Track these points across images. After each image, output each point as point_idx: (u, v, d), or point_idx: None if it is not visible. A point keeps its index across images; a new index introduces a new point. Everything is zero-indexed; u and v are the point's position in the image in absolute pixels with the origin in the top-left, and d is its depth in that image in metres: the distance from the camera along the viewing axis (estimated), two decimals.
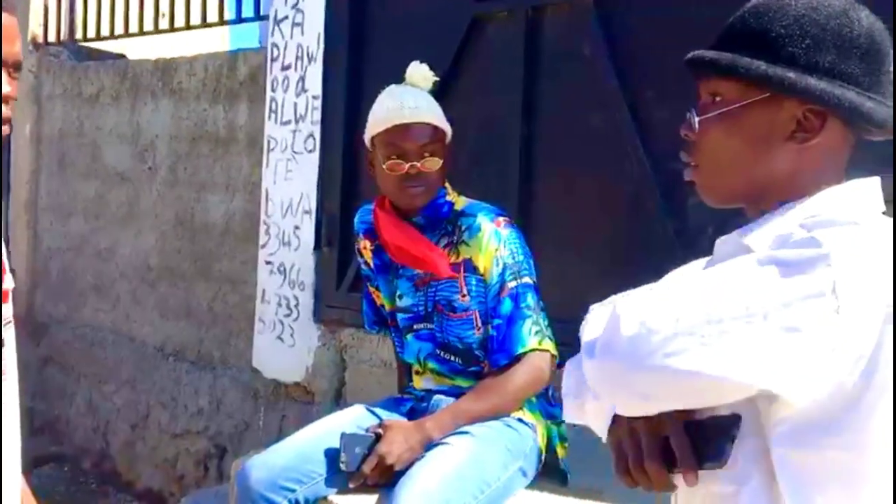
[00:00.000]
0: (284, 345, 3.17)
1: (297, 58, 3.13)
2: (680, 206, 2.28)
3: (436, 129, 1.73)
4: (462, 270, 1.73)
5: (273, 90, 3.21)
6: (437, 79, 1.84)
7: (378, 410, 1.77)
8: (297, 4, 3.13)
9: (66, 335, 4.28)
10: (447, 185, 1.80)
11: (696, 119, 0.98)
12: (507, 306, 1.68)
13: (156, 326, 3.82)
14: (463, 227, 1.74)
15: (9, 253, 4.57)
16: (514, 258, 1.70)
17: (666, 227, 2.29)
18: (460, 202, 1.79)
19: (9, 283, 1.27)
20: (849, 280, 0.77)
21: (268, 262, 3.22)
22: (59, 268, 4.35)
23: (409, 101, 1.72)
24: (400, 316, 1.82)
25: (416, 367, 1.81)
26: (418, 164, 1.69)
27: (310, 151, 3.08)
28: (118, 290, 4.01)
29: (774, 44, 0.93)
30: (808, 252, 0.79)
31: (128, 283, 3.96)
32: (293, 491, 1.59)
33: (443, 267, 1.72)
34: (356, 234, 1.95)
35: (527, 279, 1.70)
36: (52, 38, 4.45)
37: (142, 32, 4.02)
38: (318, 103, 3.05)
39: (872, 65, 0.92)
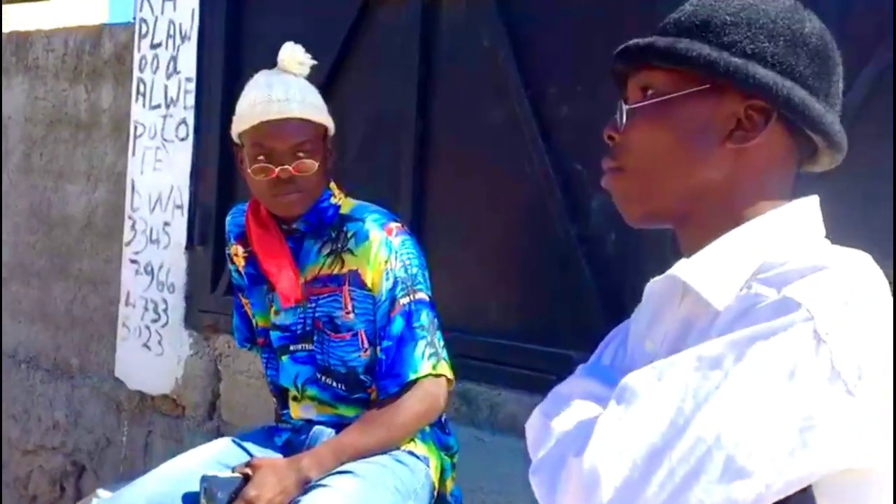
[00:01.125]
0: (151, 353, 2.87)
1: (168, 35, 2.82)
2: (582, 207, 2.14)
3: (312, 124, 1.51)
4: (346, 283, 1.51)
5: (141, 70, 2.89)
6: (315, 62, 1.61)
7: (248, 445, 1.54)
8: None
9: None
10: (333, 185, 1.59)
11: (624, 111, 0.83)
12: (397, 326, 1.48)
13: (6, 330, 3.42)
14: (349, 234, 1.53)
15: None
16: (406, 271, 1.50)
17: (567, 229, 2.15)
18: (347, 205, 1.58)
19: None
20: (846, 350, 0.66)
21: (133, 261, 2.91)
22: None
23: (278, 92, 1.49)
24: (275, 334, 1.59)
25: (293, 392, 1.59)
26: (290, 168, 1.47)
27: (182, 139, 2.78)
28: None
29: (719, 31, 0.80)
30: (794, 328, 0.66)
31: None
32: None
33: (286, 290, 1.50)
34: (227, 237, 1.71)
35: (421, 294, 1.51)
36: None
37: None
38: (192, 86, 2.76)
39: (823, 68, 0.81)
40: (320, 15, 2.56)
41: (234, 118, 1.55)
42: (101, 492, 1.94)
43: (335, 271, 1.53)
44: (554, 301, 2.21)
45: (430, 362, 1.48)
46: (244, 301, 1.69)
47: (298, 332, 1.56)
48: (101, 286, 3.08)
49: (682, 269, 0.78)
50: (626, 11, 2.03)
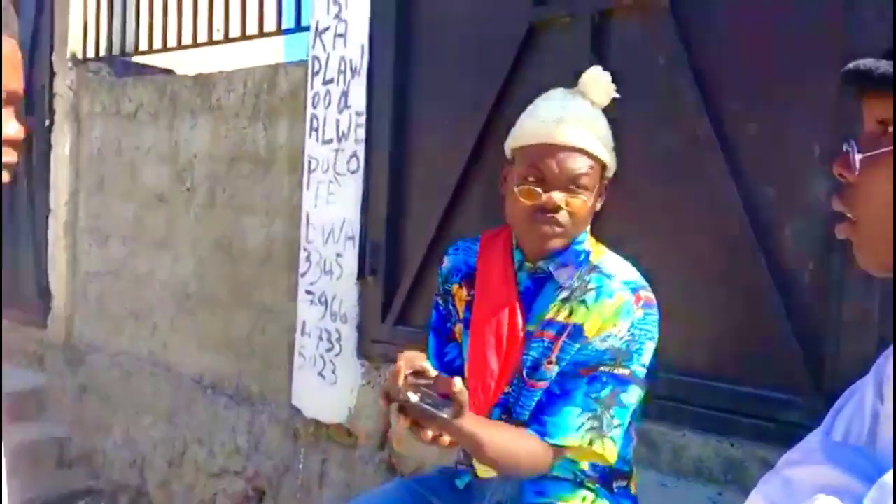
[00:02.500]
0: (326, 382, 2.92)
1: (339, 71, 2.89)
2: (773, 234, 1.97)
3: (595, 160, 1.40)
4: (565, 335, 1.40)
5: (314, 106, 2.97)
6: (618, 96, 1.51)
7: (429, 494, 1.48)
8: (339, 14, 2.89)
9: (103, 363, 4.11)
10: (588, 228, 1.47)
11: (858, 155, 0.70)
12: (575, 383, 1.36)
13: (193, 357, 3.61)
14: (590, 286, 1.39)
15: (47, 277, 4.46)
16: (628, 346, 1.36)
17: (756, 259, 1.98)
18: (598, 253, 1.45)
19: None
20: None
21: (308, 292, 2.98)
22: (97, 293, 4.19)
23: (571, 116, 1.40)
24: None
25: None
26: (559, 200, 1.37)
27: (353, 172, 2.83)
28: (156, 317, 3.82)
29: None
30: None
31: (166, 310, 3.77)
32: None
33: (501, 353, 1.42)
34: (446, 275, 1.58)
35: (624, 370, 1.36)
36: (91, 53, 4.30)
37: (180, 46, 3.84)
38: (362, 120, 2.80)
39: None
40: (487, 40, 2.52)
41: (514, 130, 1.46)
42: None
43: (559, 318, 1.41)
44: (743, 336, 2.04)
45: (585, 434, 1.36)
46: (457, 336, 1.59)
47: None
48: (279, 316, 3.19)
49: None
50: (815, 21, 1.86)
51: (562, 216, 1.38)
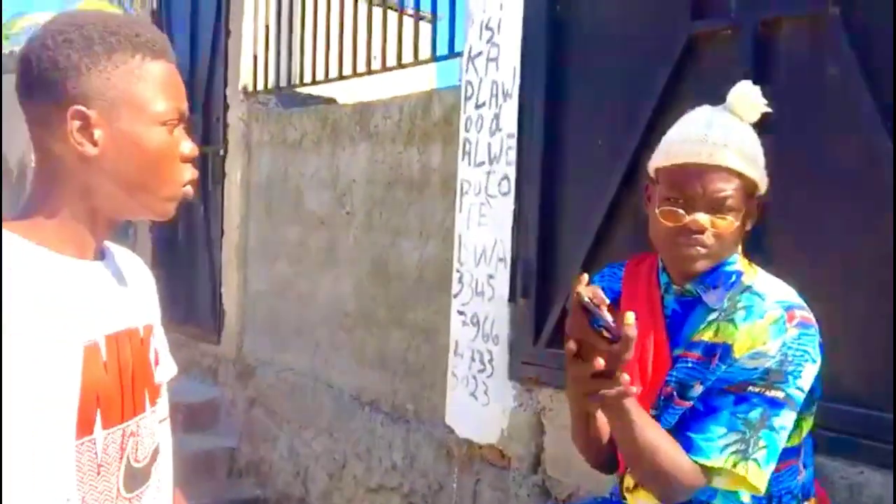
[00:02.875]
0: (478, 403, 2.94)
1: (491, 95, 2.92)
2: None
3: (742, 178, 1.35)
4: (716, 357, 1.34)
5: (467, 130, 3.02)
6: (769, 110, 1.45)
7: None
8: (491, 39, 2.93)
9: (270, 378, 4.33)
10: (739, 249, 1.42)
11: None
12: (722, 401, 1.30)
13: (352, 374, 3.74)
14: (740, 305, 1.34)
15: (220, 295, 4.77)
16: (781, 365, 1.29)
17: None
18: (751, 274, 1.40)
19: (166, 374, 1.17)
20: None
21: (461, 313, 3.02)
22: (265, 311, 4.43)
23: (716, 134, 1.35)
24: None
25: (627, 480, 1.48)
26: (705, 221, 1.33)
27: (504, 194, 2.85)
28: (318, 335, 4.00)
29: None
30: None
31: (327, 328, 3.93)
32: None
33: (643, 379, 1.37)
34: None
35: (777, 393, 1.29)
36: (261, 86, 4.58)
37: (341, 77, 4.02)
38: (513, 142, 2.82)
39: None
40: (642, 56, 2.48)
41: (658, 150, 1.44)
42: None
43: (707, 338, 1.36)
44: None
45: (730, 458, 1.28)
46: None
47: (658, 393, 1.44)
48: (432, 336, 3.25)
49: None
50: None
51: (707, 237, 1.33)
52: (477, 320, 2.96)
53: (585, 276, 1.19)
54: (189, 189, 1.04)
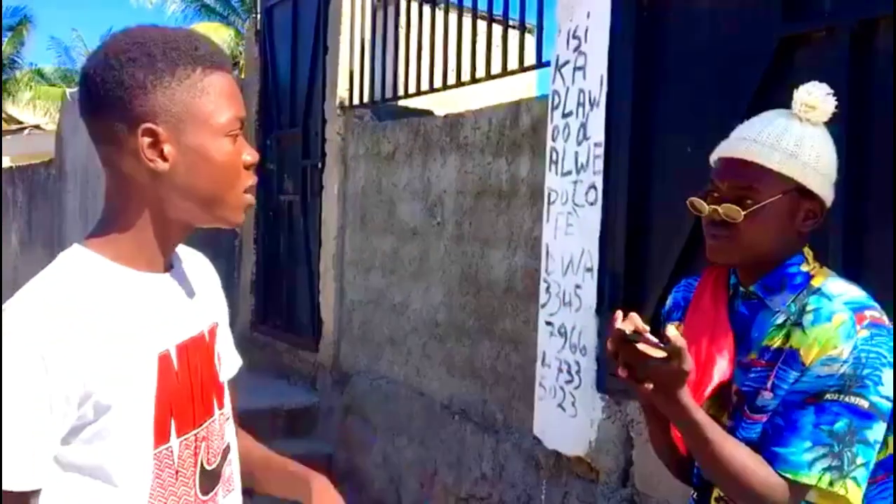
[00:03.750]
0: (566, 414, 2.91)
1: (578, 104, 2.90)
2: None
3: (765, 172, 1.31)
4: (781, 361, 1.30)
5: (554, 139, 3.01)
6: (836, 111, 1.39)
7: None
8: (578, 47, 2.91)
9: (365, 386, 4.42)
10: (808, 252, 1.38)
11: None
12: (803, 414, 1.25)
13: (443, 383, 3.77)
14: (809, 308, 1.30)
15: (318, 304, 4.90)
16: (856, 370, 1.24)
17: None
18: (821, 277, 1.35)
19: (229, 371, 1.19)
20: None
21: (548, 323, 3.00)
22: (361, 320, 4.53)
23: (753, 131, 1.35)
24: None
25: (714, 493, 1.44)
26: (722, 210, 1.31)
27: (591, 204, 2.82)
28: (410, 344, 4.05)
29: None
30: None
31: (418, 337, 3.98)
32: None
33: (704, 384, 1.33)
34: (667, 312, 1.55)
35: (860, 400, 1.23)
36: (357, 100, 4.70)
37: (432, 90, 4.07)
38: (601, 151, 2.79)
39: None
40: (733, 60, 2.41)
41: None
42: None
43: (776, 345, 1.32)
44: None
45: (822, 474, 1.23)
46: None
47: (726, 402, 1.40)
48: (520, 346, 3.24)
49: None
50: None
51: (727, 228, 1.31)
52: (564, 330, 2.93)
53: (620, 313, 1.22)
54: (250, 196, 1.06)
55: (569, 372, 2.90)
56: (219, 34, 17.24)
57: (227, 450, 1.14)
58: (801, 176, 1.31)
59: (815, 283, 1.33)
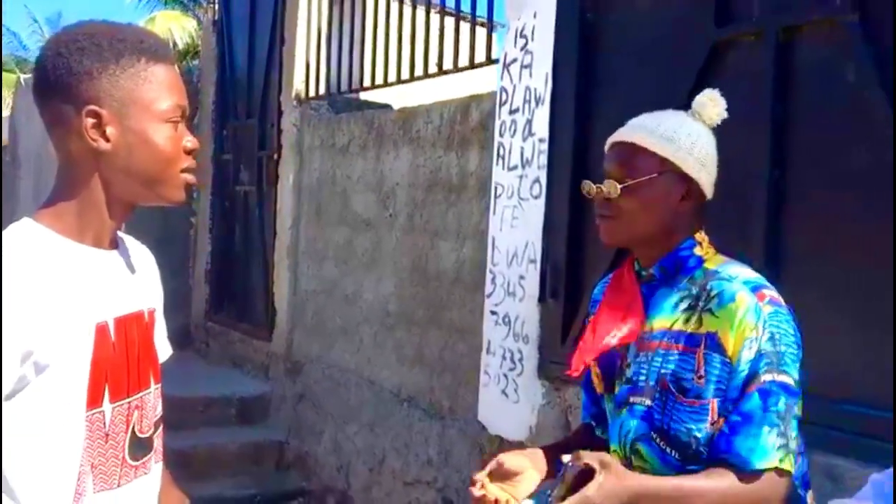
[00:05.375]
0: (509, 400, 3.02)
1: (524, 101, 3.00)
2: None
3: (647, 153, 1.42)
4: (703, 346, 1.39)
5: (501, 135, 3.11)
6: (725, 116, 1.51)
7: None
8: (525, 46, 3.01)
9: (317, 374, 4.48)
10: (702, 237, 1.49)
11: None
12: (752, 403, 1.34)
13: (392, 371, 3.86)
14: (713, 293, 1.40)
15: (272, 294, 4.95)
16: (774, 345, 1.34)
17: None
18: (715, 261, 1.46)
19: (160, 355, 1.27)
20: None
21: (493, 313, 3.10)
22: (314, 310, 4.59)
23: (640, 120, 1.47)
24: (621, 388, 1.54)
25: (617, 452, 1.54)
26: (600, 186, 1.43)
27: (535, 197, 2.92)
28: (361, 333, 4.13)
29: None
30: None
31: (370, 327, 4.06)
32: None
33: (623, 333, 1.45)
34: (593, 303, 1.65)
35: (785, 378, 1.33)
36: (313, 92, 4.75)
37: (387, 83, 4.15)
38: (545, 147, 2.89)
39: None
40: (668, 62, 2.53)
41: None
42: None
43: (690, 330, 1.41)
44: None
45: (778, 454, 1.33)
46: (594, 373, 1.66)
47: (640, 383, 1.50)
48: (467, 335, 3.34)
49: None
50: None
51: (609, 208, 1.43)
52: (508, 320, 3.04)
53: (478, 481, 1.41)
54: (190, 176, 1.14)
55: (512, 360, 3.01)
56: (180, 23, 17.03)
57: (159, 422, 1.21)
58: (675, 158, 1.42)
59: (710, 265, 1.44)
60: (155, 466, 1.20)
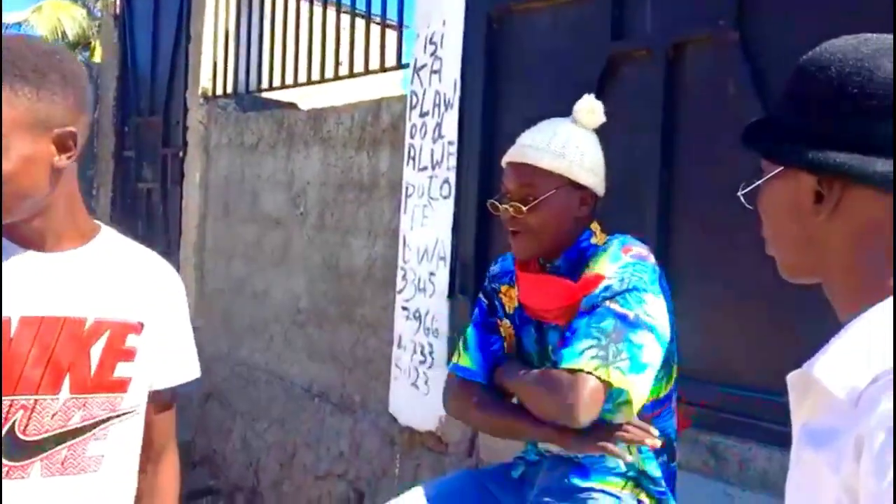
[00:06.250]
0: (419, 392, 3.13)
1: (434, 105, 3.13)
2: None
3: (544, 172, 1.58)
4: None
5: (412, 137, 3.22)
6: (604, 120, 1.68)
7: (488, 482, 1.67)
8: (435, 52, 3.13)
9: (225, 372, 4.48)
10: (595, 227, 1.66)
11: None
12: (581, 321, 1.51)
13: (303, 367, 3.91)
14: (592, 253, 1.60)
15: None
16: (621, 285, 1.51)
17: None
18: (604, 241, 1.64)
19: (130, 372, 1.23)
20: None
21: (404, 308, 3.21)
22: (222, 308, 4.58)
23: (531, 138, 1.62)
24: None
25: None
26: (511, 211, 1.59)
27: (445, 197, 3.05)
28: (271, 330, 4.16)
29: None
30: None
31: (280, 324, 4.10)
32: None
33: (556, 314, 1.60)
34: (495, 275, 1.79)
35: (623, 309, 1.49)
36: (220, 90, 4.74)
37: (296, 84, 4.19)
38: (454, 149, 3.02)
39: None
40: (569, 73, 2.69)
41: None
42: None
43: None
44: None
45: (592, 362, 1.47)
46: (506, 332, 1.79)
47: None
48: (379, 330, 3.44)
49: (817, 368, 0.79)
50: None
51: (518, 224, 1.59)
52: (419, 315, 3.15)
53: None
54: None
55: (422, 353, 3.12)
56: (69, 12, 16.38)
57: (72, 434, 1.17)
58: (568, 172, 1.59)
59: (600, 244, 1.62)
60: (47, 479, 1.15)
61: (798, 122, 0.84)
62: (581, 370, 1.46)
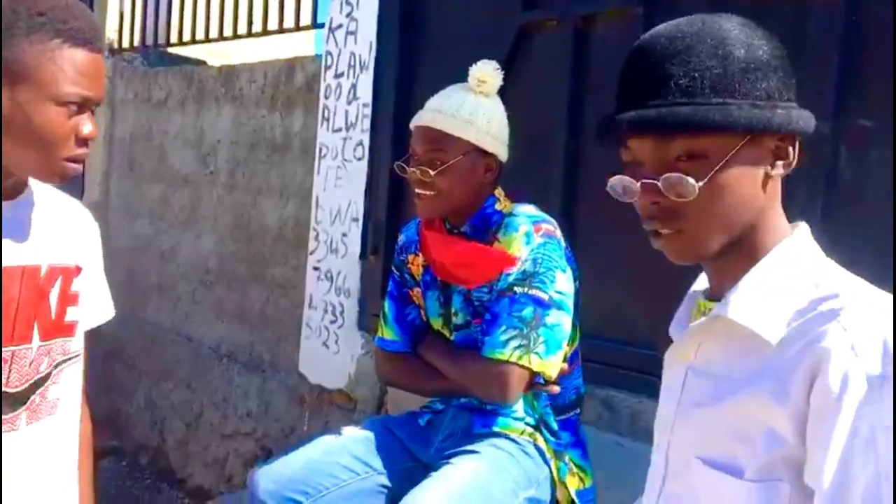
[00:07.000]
0: (329, 351, 3.18)
1: (349, 66, 3.14)
2: None
3: (451, 138, 1.65)
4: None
5: (326, 98, 3.23)
6: (501, 83, 1.74)
7: (395, 429, 1.74)
8: (350, 13, 3.14)
9: (129, 332, 4.40)
10: (499, 193, 1.73)
11: (684, 181, 0.90)
12: (500, 306, 1.60)
13: (211, 327, 3.89)
14: (502, 226, 1.66)
15: None
16: (535, 267, 1.60)
17: None
18: (509, 207, 1.72)
19: (76, 315, 1.25)
20: None
21: (316, 269, 3.24)
22: (126, 267, 4.49)
23: (438, 102, 1.68)
24: (456, 335, 1.76)
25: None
26: (419, 174, 1.64)
27: (359, 159, 3.08)
28: (179, 290, 4.11)
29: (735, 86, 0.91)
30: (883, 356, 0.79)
31: (188, 284, 4.05)
32: (299, 503, 1.58)
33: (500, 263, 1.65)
34: (401, 249, 1.87)
35: (537, 292, 1.60)
36: (126, 44, 4.59)
37: (207, 39, 4.11)
38: (368, 111, 3.05)
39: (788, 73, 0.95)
40: (482, 40, 2.76)
41: None
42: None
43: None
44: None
45: (516, 352, 1.58)
46: (418, 300, 1.85)
47: (467, 325, 1.73)
48: (289, 290, 3.45)
49: (732, 311, 0.88)
50: (773, 26, 2.06)
51: (425, 187, 1.67)
52: (331, 275, 3.19)
53: None
54: (73, 166, 1.13)
55: (333, 313, 3.17)
56: None
57: (41, 380, 1.19)
58: (476, 139, 1.66)
59: (506, 211, 1.70)
60: (32, 426, 1.17)
61: (739, 90, 0.87)
62: (507, 361, 1.56)
